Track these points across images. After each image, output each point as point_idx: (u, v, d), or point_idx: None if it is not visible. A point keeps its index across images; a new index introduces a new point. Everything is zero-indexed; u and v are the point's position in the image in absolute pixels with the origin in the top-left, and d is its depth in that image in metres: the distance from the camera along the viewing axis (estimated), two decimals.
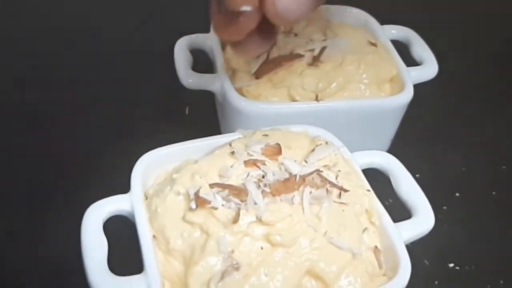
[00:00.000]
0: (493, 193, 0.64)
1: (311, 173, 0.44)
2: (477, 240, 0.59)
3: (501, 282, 0.56)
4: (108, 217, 0.44)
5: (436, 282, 0.56)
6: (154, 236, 0.43)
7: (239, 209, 0.41)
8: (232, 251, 0.40)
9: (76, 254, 0.42)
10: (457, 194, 0.63)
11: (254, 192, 0.42)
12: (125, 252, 0.43)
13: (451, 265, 0.57)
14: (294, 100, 0.58)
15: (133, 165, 0.47)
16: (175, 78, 0.59)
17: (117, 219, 0.45)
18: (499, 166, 0.67)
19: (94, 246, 0.42)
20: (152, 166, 0.48)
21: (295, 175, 0.44)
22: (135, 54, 0.78)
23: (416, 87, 0.59)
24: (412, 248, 0.45)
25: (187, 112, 0.71)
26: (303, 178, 0.44)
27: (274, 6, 0.38)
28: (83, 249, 0.41)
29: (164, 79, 0.64)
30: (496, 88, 0.77)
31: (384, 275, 0.44)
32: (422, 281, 0.54)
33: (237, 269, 0.40)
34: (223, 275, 0.39)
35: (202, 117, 0.68)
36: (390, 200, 0.51)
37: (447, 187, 0.64)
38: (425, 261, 0.57)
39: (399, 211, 0.47)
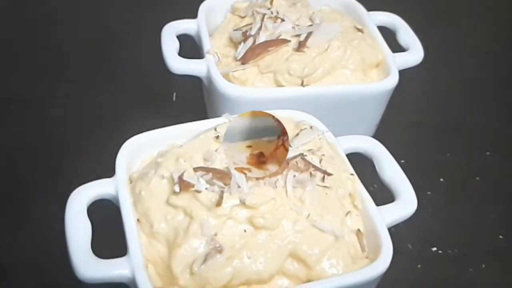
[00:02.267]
0: (477, 178, 0.65)
1: (295, 157, 0.44)
2: (460, 224, 0.60)
3: (483, 266, 0.57)
4: (92, 201, 0.44)
5: (419, 266, 0.56)
6: (138, 220, 0.43)
7: (222, 192, 0.41)
8: (215, 234, 0.41)
9: (60, 237, 0.42)
10: (441, 180, 0.64)
11: (237, 175, 0.42)
12: (109, 235, 0.43)
13: (434, 249, 0.58)
14: (280, 86, 0.58)
15: (119, 149, 0.47)
16: (162, 64, 0.59)
17: (101, 203, 0.45)
18: (483, 151, 0.68)
19: (78, 229, 0.42)
20: (137, 150, 0.48)
21: None
22: (122, 40, 0.78)
23: (402, 73, 0.60)
24: (396, 232, 0.45)
25: (174, 97, 0.71)
26: (287, 161, 0.44)
27: None
28: (67, 232, 0.42)
29: (151, 64, 0.64)
30: (481, 75, 0.78)
31: (366, 257, 0.44)
32: (406, 265, 0.55)
33: (220, 251, 0.40)
34: (206, 257, 0.40)
35: (189, 102, 0.68)
36: (375, 185, 0.52)
37: (432, 172, 0.64)
38: (409, 245, 0.57)
39: (384, 196, 0.47)
